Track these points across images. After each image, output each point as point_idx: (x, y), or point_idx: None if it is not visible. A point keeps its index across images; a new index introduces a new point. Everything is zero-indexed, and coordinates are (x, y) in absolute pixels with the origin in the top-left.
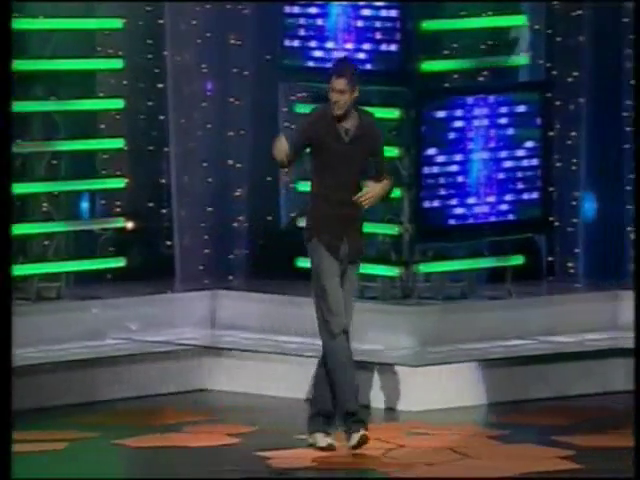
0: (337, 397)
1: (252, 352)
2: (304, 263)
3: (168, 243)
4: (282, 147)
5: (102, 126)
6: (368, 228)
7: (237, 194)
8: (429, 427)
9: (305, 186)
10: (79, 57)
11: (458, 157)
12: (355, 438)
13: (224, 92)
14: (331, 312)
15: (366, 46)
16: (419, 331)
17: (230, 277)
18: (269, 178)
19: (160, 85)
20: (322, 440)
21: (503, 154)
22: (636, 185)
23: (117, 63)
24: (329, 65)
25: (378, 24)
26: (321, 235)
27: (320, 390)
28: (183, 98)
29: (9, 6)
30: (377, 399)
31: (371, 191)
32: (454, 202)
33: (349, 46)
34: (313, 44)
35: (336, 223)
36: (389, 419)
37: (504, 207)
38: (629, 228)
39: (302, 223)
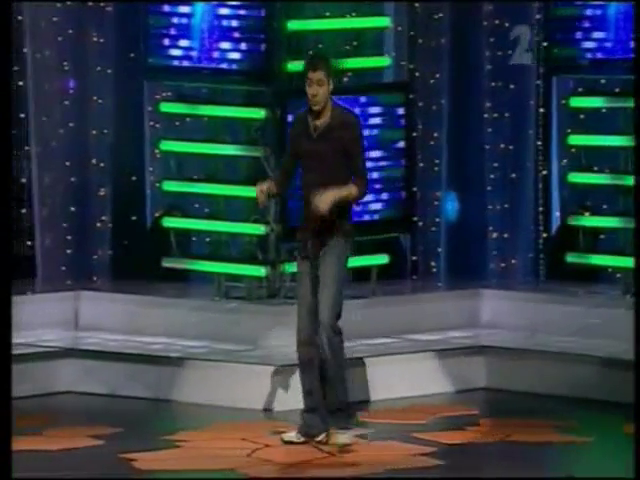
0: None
1: (116, 354)
2: (170, 263)
3: (29, 243)
4: (261, 187)
5: None
6: (234, 228)
7: (100, 194)
8: (295, 427)
9: (170, 186)
10: None
11: None
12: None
13: (86, 90)
14: (298, 323)
15: (231, 45)
16: (286, 331)
17: (94, 278)
18: (133, 177)
19: (20, 83)
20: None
21: (367, 155)
22: (636, 185)
23: None
24: (195, 64)
25: (244, 24)
26: (299, 236)
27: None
28: (44, 96)
29: (9, 6)
30: (243, 399)
31: (322, 196)
32: None
33: (215, 45)
34: (178, 43)
35: (309, 222)
36: (255, 419)
37: (369, 207)
38: (490, 228)
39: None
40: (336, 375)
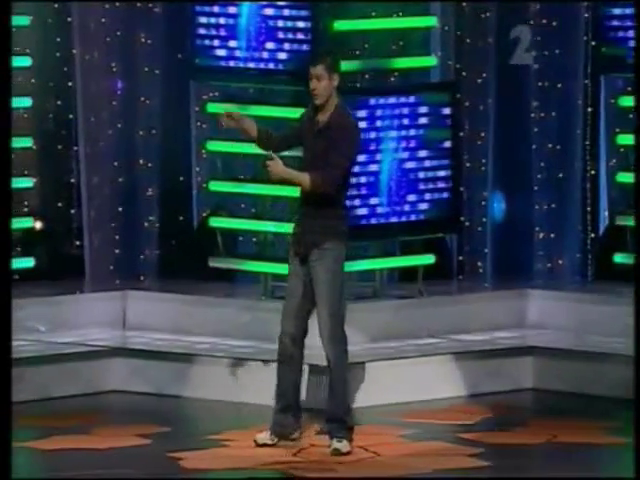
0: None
1: (163, 353)
2: (216, 263)
3: (77, 243)
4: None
5: None
6: (280, 228)
7: (148, 194)
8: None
9: (216, 186)
10: None
11: (369, 157)
12: (332, 445)
13: (134, 91)
14: (282, 323)
15: (278, 46)
16: None
17: (141, 277)
18: (181, 178)
19: (69, 84)
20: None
21: (414, 154)
22: (636, 185)
23: (24, 61)
24: (242, 64)
25: (289, 24)
26: (293, 231)
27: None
28: (92, 97)
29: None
30: None
31: (276, 164)
32: (365, 202)
33: (261, 45)
34: (225, 43)
35: (299, 219)
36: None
37: (415, 207)
38: (537, 228)
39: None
40: (336, 387)
